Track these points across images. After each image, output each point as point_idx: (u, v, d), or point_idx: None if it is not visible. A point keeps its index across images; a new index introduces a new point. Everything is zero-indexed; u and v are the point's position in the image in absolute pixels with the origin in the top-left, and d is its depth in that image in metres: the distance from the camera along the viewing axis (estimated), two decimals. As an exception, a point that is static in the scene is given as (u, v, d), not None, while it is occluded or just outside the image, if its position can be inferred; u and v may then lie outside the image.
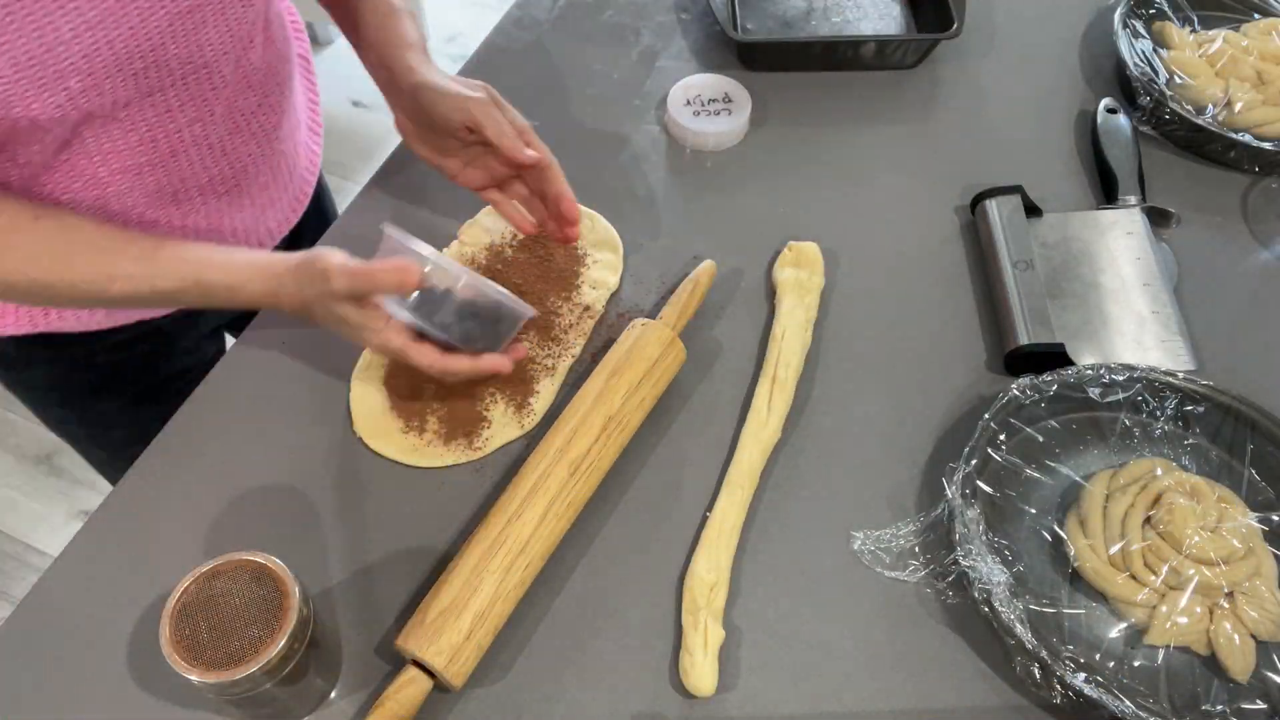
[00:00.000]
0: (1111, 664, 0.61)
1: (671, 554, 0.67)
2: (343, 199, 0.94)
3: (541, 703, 0.61)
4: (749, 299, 0.81)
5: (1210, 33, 0.95)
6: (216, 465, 0.71)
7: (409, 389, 0.74)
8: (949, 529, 0.66)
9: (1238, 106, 0.89)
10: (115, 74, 0.61)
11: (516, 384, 0.74)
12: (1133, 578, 0.63)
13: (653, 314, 0.80)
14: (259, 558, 0.55)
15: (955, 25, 0.95)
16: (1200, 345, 0.77)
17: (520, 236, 0.84)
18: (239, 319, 0.93)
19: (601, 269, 0.82)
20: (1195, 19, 0.98)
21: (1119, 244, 0.81)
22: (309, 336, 0.78)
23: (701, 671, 0.60)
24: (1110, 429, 0.71)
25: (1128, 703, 0.56)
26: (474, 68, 0.99)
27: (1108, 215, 0.83)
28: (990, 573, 0.61)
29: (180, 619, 0.53)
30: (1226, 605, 0.62)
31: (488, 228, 0.84)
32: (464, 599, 0.59)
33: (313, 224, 0.92)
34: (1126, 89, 0.95)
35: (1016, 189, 0.84)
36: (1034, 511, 0.68)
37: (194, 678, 0.51)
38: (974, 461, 0.67)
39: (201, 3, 0.62)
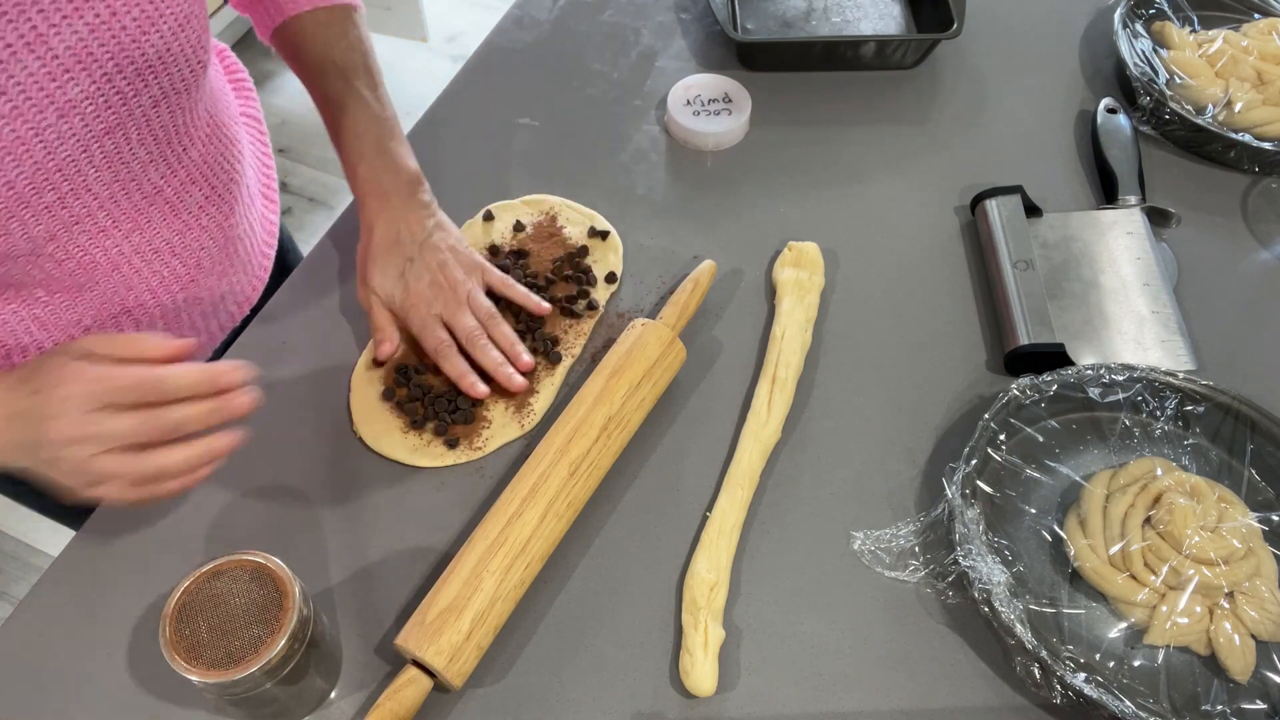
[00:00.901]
0: (1111, 664, 0.61)
1: (671, 554, 0.67)
2: (343, 199, 0.94)
3: (541, 703, 0.61)
4: (749, 299, 0.81)
5: (1210, 33, 0.95)
6: (217, 465, 0.71)
7: (410, 389, 0.74)
8: (949, 529, 0.66)
9: (1238, 106, 0.89)
10: (21, 212, 0.55)
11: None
12: (1133, 578, 0.63)
13: (653, 314, 0.80)
14: (259, 558, 0.55)
15: (955, 25, 0.95)
16: (1200, 345, 0.77)
17: (519, 237, 0.84)
18: None
19: (601, 269, 0.82)
20: (1195, 19, 0.98)
21: (1119, 244, 0.81)
22: (309, 336, 0.78)
23: (701, 671, 0.60)
24: (1110, 429, 0.71)
25: (1128, 703, 0.56)
26: (474, 68, 0.99)
27: (1108, 215, 0.83)
28: (990, 573, 0.61)
29: (180, 619, 0.53)
30: (1226, 605, 0.62)
31: (485, 229, 0.85)
32: (464, 599, 0.59)
33: (275, 284, 0.89)
34: (1126, 89, 0.95)
35: (1016, 189, 0.84)
36: (1034, 511, 0.68)
37: (194, 678, 0.51)
38: (974, 461, 0.67)
39: (120, 120, 0.56)
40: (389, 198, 0.75)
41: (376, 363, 0.75)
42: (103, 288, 0.65)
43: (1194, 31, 0.97)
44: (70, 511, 0.67)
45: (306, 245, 1.02)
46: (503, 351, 0.74)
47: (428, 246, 0.74)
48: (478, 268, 0.76)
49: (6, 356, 0.66)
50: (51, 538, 1.67)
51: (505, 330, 0.74)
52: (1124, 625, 0.62)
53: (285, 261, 0.93)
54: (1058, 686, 0.58)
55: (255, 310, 0.82)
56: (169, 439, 0.54)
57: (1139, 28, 0.97)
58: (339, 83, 0.75)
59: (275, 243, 0.87)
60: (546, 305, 0.77)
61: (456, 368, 0.72)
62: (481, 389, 0.72)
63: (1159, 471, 0.67)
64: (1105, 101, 0.91)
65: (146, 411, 0.53)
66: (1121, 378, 0.71)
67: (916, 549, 0.67)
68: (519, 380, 0.72)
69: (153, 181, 0.63)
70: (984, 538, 0.64)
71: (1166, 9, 0.99)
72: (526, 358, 0.74)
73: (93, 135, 0.55)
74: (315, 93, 0.77)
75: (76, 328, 0.66)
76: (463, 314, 0.73)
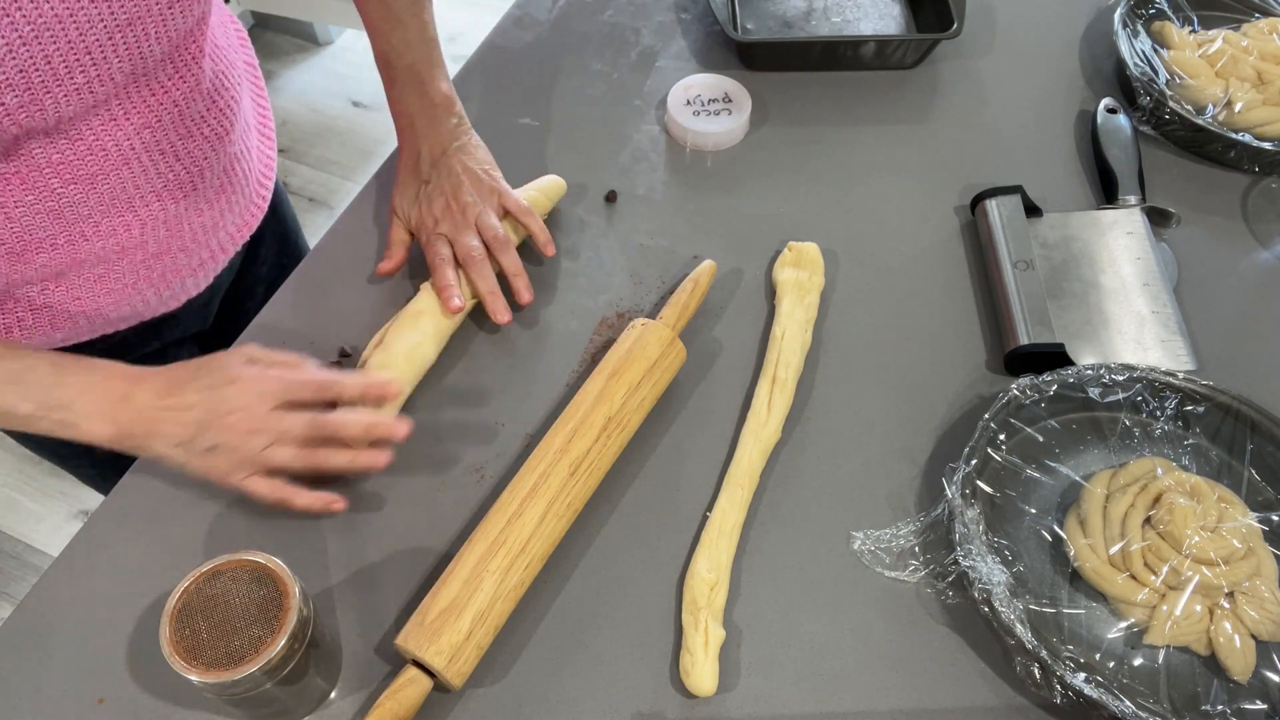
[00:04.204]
0: (1111, 664, 0.61)
1: (671, 554, 0.67)
2: (343, 199, 0.94)
3: (541, 702, 0.61)
4: (749, 299, 0.81)
5: (1210, 33, 0.95)
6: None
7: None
8: (949, 529, 0.66)
9: (1238, 106, 0.89)
10: (55, 88, 0.59)
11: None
12: (1133, 578, 0.63)
13: (653, 314, 0.80)
14: (259, 558, 0.55)
15: (955, 25, 0.95)
16: (1200, 345, 0.77)
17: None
18: (205, 334, 0.91)
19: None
20: (1195, 19, 0.98)
21: (1119, 244, 0.81)
22: (307, 336, 0.78)
23: (702, 671, 0.60)
24: (1110, 429, 0.71)
25: (1128, 703, 0.56)
26: (474, 67, 0.99)
27: (1108, 215, 0.83)
28: (990, 573, 0.61)
29: (180, 619, 0.53)
30: (1227, 605, 0.62)
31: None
32: (464, 599, 0.59)
33: (271, 230, 0.91)
34: (1126, 89, 0.95)
35: (1016, 189, 0.84)
36: (1034, 511, 0.68)
37: (194, 678, 0.51)
38: (974, 461, 0.67)
39: (140, 14, 0.60)
40: (415, 121, 0.79)
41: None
42: (112, 181, 0.68)
43: (1194, 31, 0.97)
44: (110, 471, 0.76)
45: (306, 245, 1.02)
46: (508, 279, 0.77)
47: (443, 169, 0.78)
48: (494, 192, 0.79)
49: (20, 254, 0.67)
50: (52, 538, 1.67)
51: (512, 258, 0.77)
52: (1124, 625, 0.62)
53: (280, 213, 0.95)
54: (1058, 686, 0.58)
55: (263, 292, 0.83)
56: (327, 445, 0.64)
57: (1139, 28, 0.97)
58: (380, 8, 0.79)
59: (272, 178, 0.89)
60: (552, 249, 0.80)
61: (442, 279, 0.75)
62: (456, 303, 0.74)
63: (1159, 471, 0.67)
64: (1105, 101, 0.91)
65: (315, 415, 0.63)
66: (1121, 378, 0.71)
67: (916, 549, 0.67)
68: (504, 315, 0.75)
69: (162, 82, 0.67)
70: (984, 538, 0.64)
71: (1166, 9, 0.99)
72: (527, 295, 0.77)
73: (117, 24, 0.60)
74: (363, 17, 0.81)
75: (86, 223, 0.68)
76: (467, 234, 0.76)
